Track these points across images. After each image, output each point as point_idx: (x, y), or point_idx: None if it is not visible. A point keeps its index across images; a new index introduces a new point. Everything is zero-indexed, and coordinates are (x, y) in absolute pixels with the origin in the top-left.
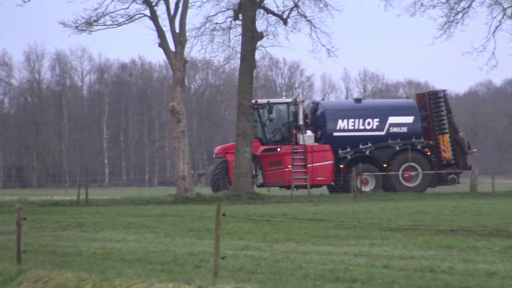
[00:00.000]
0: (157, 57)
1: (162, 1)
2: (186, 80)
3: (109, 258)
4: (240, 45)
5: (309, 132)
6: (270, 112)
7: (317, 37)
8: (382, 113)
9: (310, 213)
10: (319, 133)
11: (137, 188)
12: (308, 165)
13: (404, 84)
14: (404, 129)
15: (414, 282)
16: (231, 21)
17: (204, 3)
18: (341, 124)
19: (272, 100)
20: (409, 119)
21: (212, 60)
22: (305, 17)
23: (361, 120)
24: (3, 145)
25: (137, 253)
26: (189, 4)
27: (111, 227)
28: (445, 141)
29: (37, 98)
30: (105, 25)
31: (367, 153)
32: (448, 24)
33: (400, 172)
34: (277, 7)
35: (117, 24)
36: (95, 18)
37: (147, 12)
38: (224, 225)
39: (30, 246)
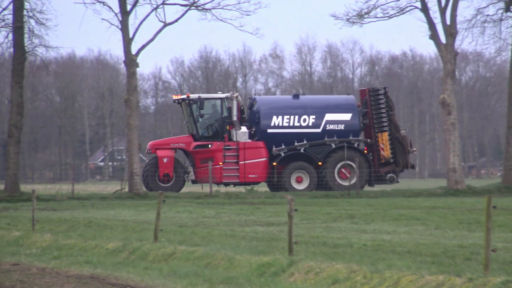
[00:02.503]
0: (428, 49)
1: None
2: (456, 72)
3: (379, 250)
4: (511, 37)
5: (243, 128)
6: (201, 107)
7: None
8: (319, 109)
9: None
10: (254, 129)
11: (407, 180)
12: (240, 162)
13: None
14: (341, 127)
15: None
16: (502, 13)
17: None
18: (276, 120)
19: (203, 96)
20: (347, 116)
21: (483, 52)
22: None
23: (297, 117)
24: None
25: (407, 245)
26: None
27: (381, 219)
28: (384, 139)
29: (308, 91)
30: (376, 17)
31: (302, 150)
32: None
33: (335, 171)
34: None
35: (388, 17)
36: (366, 10)
37: (418, 4)
38: (495, 218)
39: (302, 238)
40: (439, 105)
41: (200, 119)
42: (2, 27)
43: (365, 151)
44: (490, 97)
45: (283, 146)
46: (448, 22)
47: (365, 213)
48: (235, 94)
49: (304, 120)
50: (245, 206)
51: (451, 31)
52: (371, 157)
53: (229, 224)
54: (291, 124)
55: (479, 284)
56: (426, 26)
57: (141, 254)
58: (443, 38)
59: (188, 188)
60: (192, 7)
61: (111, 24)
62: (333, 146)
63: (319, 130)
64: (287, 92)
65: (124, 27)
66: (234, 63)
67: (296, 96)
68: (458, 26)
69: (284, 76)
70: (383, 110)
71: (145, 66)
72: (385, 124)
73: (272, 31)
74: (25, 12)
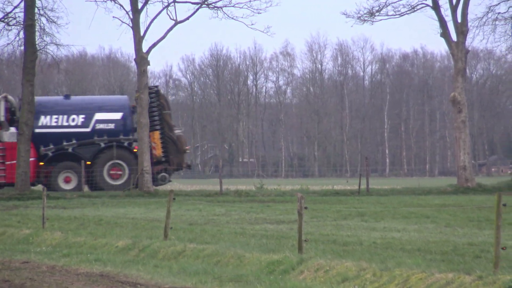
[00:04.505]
0: (439, 47)
1: None
2: (467, 70)
3: (389, 248)
4: None
5: (12, 129)
6: None
7: None
8: (88, 109)
9: None
10: None
11: (418, 178)
12: (7, 163)
13: None
14: (112, 126)
15: None
16: None
17: None
18: (44, 120)
19: None
20: (118, 116)
21: (494, 50)
22: None
23: (65, 117)
24: (285, 134)
25: (417, 243)
26: None
27: (391, 217)
28: (155, 138)
29: (318, 88)
30: (387, 15)
31: (70, 150)
32: None
33: (105, 170)
34: None
35: (399, 14)
36: (377, 8)
37: (429, 2)
38: (505, 215)
39: (311, 235)
40: (450, 103)
41: None
42: (13, 25)
43: (135, 150)
44: (500, 95)
45: (51, 146)
46: (459, 20)
47: (375, 211)
48: (3, 95)
49: (73, 120)
50: (255, 204)
51: (462, 29)
52: None
53: (239, 222)
54: (60, 123)
55: (489, 282)
56: (437, 24)
57: (151, 252)
58: (454, 36)
59: None
60: (203, 5)
61: (122, 22)
62: (102, 145)
63: (88, 130)
64: (297, 89)
65: (135, 25)
66: (244, 61)
67: (67, 97)
68: (469, 24)
69: (295, 74)
70: (155, 109)
71: (156, 64)
72: (157, 123)
73: (283, 29)
74: (36, 10)
